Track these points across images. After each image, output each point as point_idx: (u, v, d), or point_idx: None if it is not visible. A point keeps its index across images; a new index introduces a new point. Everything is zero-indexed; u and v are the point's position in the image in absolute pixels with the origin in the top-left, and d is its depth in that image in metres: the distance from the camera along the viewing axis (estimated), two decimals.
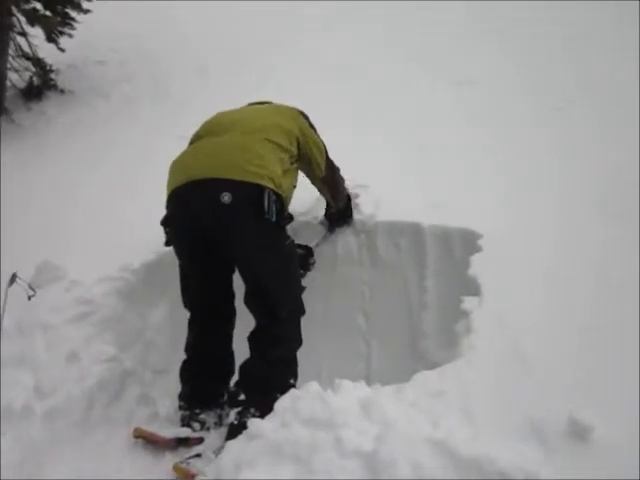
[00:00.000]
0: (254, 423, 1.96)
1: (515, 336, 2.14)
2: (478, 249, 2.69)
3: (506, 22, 5.60)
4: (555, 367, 1.98)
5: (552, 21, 5.30)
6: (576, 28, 5.09)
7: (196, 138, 2.63)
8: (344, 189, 3.03)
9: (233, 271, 2.56)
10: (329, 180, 2.87)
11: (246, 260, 2.44)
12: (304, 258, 2.98)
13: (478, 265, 2.59)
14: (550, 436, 1.74)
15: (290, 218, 2.55)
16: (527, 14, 5.59)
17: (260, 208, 2.29)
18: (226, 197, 2.27)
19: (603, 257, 2.47)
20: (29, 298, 2.77)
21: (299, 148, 2.63)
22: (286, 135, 2.54)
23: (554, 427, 1.75)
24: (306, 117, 2.78)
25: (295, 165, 2.64)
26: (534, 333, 2.15)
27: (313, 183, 2.92)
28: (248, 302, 2.49)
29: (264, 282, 2.42)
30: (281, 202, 2.41)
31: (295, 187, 2.68)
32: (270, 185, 2.34)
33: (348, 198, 3.11)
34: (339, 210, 3.09)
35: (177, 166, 2.50)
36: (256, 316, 2.49)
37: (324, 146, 2.80)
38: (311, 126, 2.78)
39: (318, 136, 2.79)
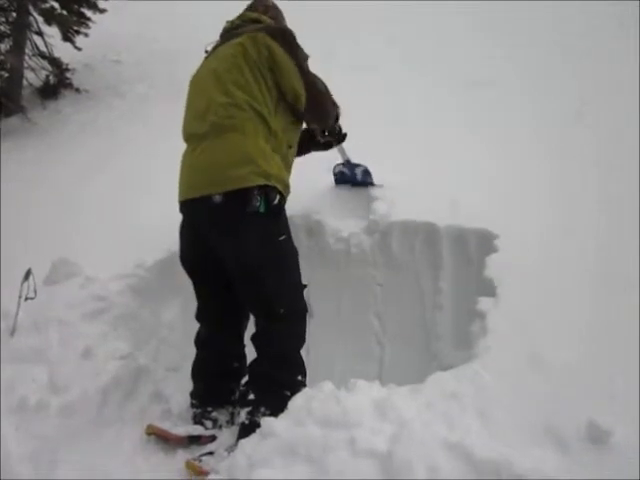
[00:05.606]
0: (267, 422, 1.94)
1: (532, 338, 2.11)
2: (494, 249, 2.66)
3: (521, 23, 5.57)
4: (573, 369, 1.95)
5: (568, 21, 5.27)
6: (592, 29, 5.05)
7: (184, 137, 2.57)
8: (334, 110, 2.77)
9: None
10: (312, 101, 2.52)
11: (235, 258, 2.36)
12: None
13: (494, 266, 2.56)
14: (568, 440, 1.71)
15: (280, 205, 2.38)
16: (542, 15, 5.55)
17: (246, 206, 2.26)
18: (216, 217, 2.30)
19: (622, 258, 2.44)
20: (25, 299, 2.73)
21: (276, 84, 2.41)
22: (256, 87, 2.37)
23: (572, 431, 1.73)
24: (275, 36, 2.45)
25: (282, 114, 2.44)
26: (551, 335, 2.12)
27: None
28: (244, 301, 2.46)
29: (255, 278, 2.33)
30: (273, 192, 2.32)
31: (297, 137, 2.60)
32: (258, 181, 2.28)
33: (336, 118, 2.86)
34: (327, 131, 2.94)
35: (180, 175, 2.50)
36: (255, 316, 2.45)
37: (303, 62, 2.50)
38: (286, 43, 2.45)
39: (299, 52, 2.49)
